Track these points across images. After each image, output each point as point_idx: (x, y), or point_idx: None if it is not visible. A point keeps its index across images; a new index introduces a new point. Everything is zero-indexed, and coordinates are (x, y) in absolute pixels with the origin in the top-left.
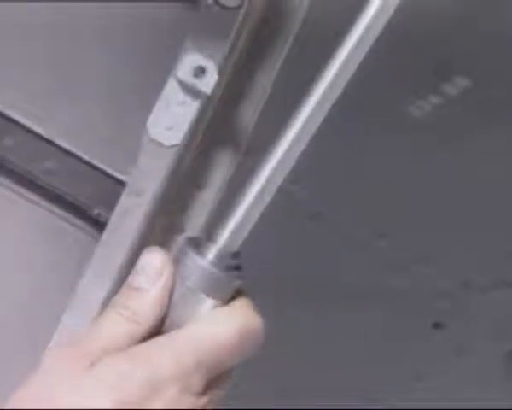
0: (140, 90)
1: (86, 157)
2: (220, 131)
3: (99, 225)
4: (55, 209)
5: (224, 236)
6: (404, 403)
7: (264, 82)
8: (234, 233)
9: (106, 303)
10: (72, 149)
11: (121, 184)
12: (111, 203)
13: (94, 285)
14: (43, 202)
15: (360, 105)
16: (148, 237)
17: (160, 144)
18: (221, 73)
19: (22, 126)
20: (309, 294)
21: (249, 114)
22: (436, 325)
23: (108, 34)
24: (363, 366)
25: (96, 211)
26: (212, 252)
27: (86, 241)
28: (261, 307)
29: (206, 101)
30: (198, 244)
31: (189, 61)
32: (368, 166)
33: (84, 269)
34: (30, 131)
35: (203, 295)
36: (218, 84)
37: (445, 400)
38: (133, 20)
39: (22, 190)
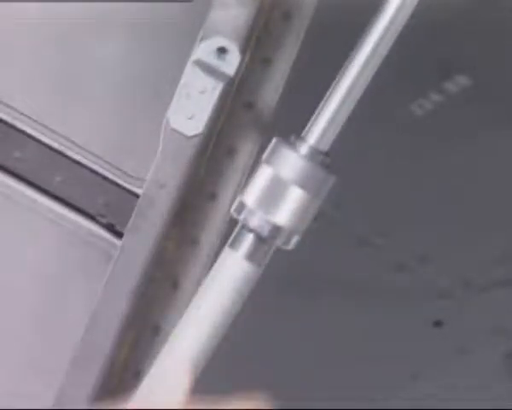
0: (147, 100)
1: (96, 168)
2: (240, 119)
3: (110, 233)
4: (67, 219)
5: (315, 134)
6: (404, 402)
7: (284, 64)
8: (324, 132)
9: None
10: (83, 161)
11: (131, 194)
12: (120, 213)
13: (123, 274)
14: (55, 213)
15: (361, 103)
16: (170, 232)
17: (181, 134)
18: (242, 53)
19: (33, 138)
20: (309, 292)
21: (270, 99)
22: (436, 324)
23: (109, 38)
24: (363, 366)
25: (106, 220)
26: (304, 148)
27: (97, 250)
28: (261, 305)
29: (229, 84)
30: (290, 142)
31: (211, 42)
32: (369, 164)
33: (95, 274)
34: (40, 142)
35: (296, 188)
36: (239, 65)
37: (444, 399)
38: (133, 21)
39: (35, 201)
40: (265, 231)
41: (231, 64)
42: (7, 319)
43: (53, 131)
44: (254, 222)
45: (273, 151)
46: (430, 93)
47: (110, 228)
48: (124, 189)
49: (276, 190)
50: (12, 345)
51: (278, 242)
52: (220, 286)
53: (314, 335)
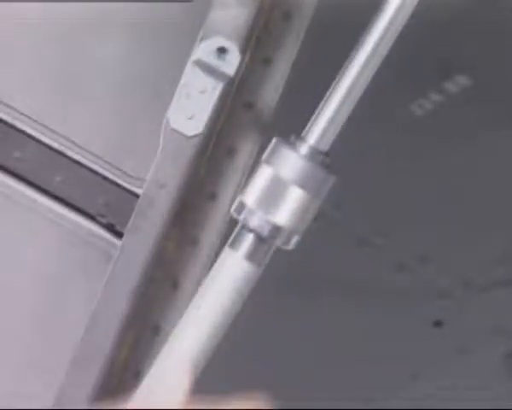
0: (146, 98)
1: (96, 168)
2: (240, 119)
3: (110, 233)
4: (67, 219)
5: (315, 134)
6: (404, 403)
7: (284, 64)
8: (324, 132)
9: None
10: (83, 160)
11: (131, 194)
12: (120, 213)
13: (123, 274)
14: (55, 213)
15: (361, 104)
16: (170, 232)
17: (181, 134)
18: (242, 53)
19: (33, 138)
20: (309, 292)
21: (270, 99)
22: (436, 324)
23: (109, 38)
24: (363, 366)
25: (106, 220)
26: (304, 148)
27: (97, 250)
28: (261, 305)
29: (229, 84)
30: (290, 142)
31: (211, 42)
32: (369, 164)
33: (94, 275)
34: (40, 142)
35: (296, 188)
36: (239, 65)
37: (444, 399)
38: (133, 21)
39: (35, 201)
40: (265, 231)
41: (231, 64)
42: (7, 319)
43: (53, 131)
44: (254, 222)
45: (273, 151)
46: (430, 93)
47: (110, 228)
48: (124, 189)
49: (276, 190)
50: (12, 345)
51: (278, 242)
52: (220, 286)
53: (314, 335)
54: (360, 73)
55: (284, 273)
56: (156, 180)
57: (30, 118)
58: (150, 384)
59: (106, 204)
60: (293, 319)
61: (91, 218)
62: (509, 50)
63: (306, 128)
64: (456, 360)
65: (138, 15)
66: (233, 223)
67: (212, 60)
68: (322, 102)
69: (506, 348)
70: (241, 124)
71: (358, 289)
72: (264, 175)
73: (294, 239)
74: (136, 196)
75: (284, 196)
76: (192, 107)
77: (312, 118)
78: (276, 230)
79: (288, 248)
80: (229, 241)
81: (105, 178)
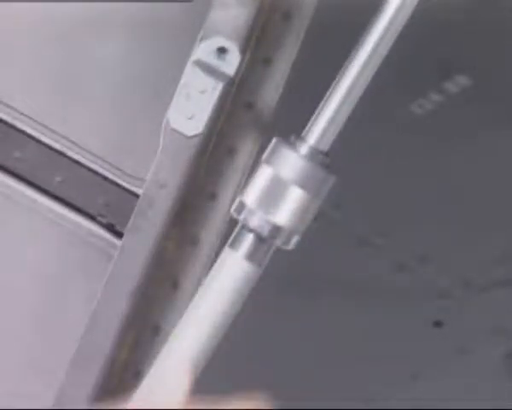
0: (146, 98)
1: (96, 168)
2: (240, 119)
3: (110, 233)
4: (67, 219)
5: (315, 134)
6: (404, 403)
7: (284, 64)
8: (324, 132)
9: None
10: (83, 160)
11: (131, 194)
12: (120, 213)
13: (123, 274)
14: (55, 213)
15: (361, 104)
16: (170, 232)
17: (181, 134)
18: (242, 53)
19: (33, 138)
20: (309, 292)
21: (270, 99)
22: (436, 324)
23: (108, 37)
24: (363, 366)
25: (106, 220)
26: (304, 148)
27: (97, 250)
28: (261, 305)
29: (229, 84)
30: (290, 142)
31: (211, 42)
32: (369, 164)
33: (94, 274)
34: (40, 143)
35: (296, 188)
36: (239, 65)
37: (444, 399)
38: (133, 21)
39: (35, 201)
40: (265, 231)
41: (231, 64)
42: (7, 319)
43: (53, 131)
44: (254, 222)
45: (273, 151)
46: (430, 93)
47: (110, 228)
48: (124, 189)
49: (276, 190)
50: (12, 345)
51: (278, 242)
52: (220, 286)
53: (314, 335)
54: (360, 73)
55: (284, 273)
56: (156, 180)
57: (30, 118)
58: (150, 384)
59: (106, 204)
60: (293, 319)
61: (91, 218)
62: (509, 50)
63: (306, 128)
64: (456, 360)
65: (138, 15)
66: (233, 223)
67: (212, 60)
68: (322, 102)
69: (506, 348)
70: (241, 124)
71: (358, 289)
72: (264, 175)
73: (294, 239)
74: (136, 196)
75: (284, 196)
76: (192, 107)
77: (312, 118)
78: (276, 230)
79: (287, 248)
80: (229, 241)
81: (105, 178)
